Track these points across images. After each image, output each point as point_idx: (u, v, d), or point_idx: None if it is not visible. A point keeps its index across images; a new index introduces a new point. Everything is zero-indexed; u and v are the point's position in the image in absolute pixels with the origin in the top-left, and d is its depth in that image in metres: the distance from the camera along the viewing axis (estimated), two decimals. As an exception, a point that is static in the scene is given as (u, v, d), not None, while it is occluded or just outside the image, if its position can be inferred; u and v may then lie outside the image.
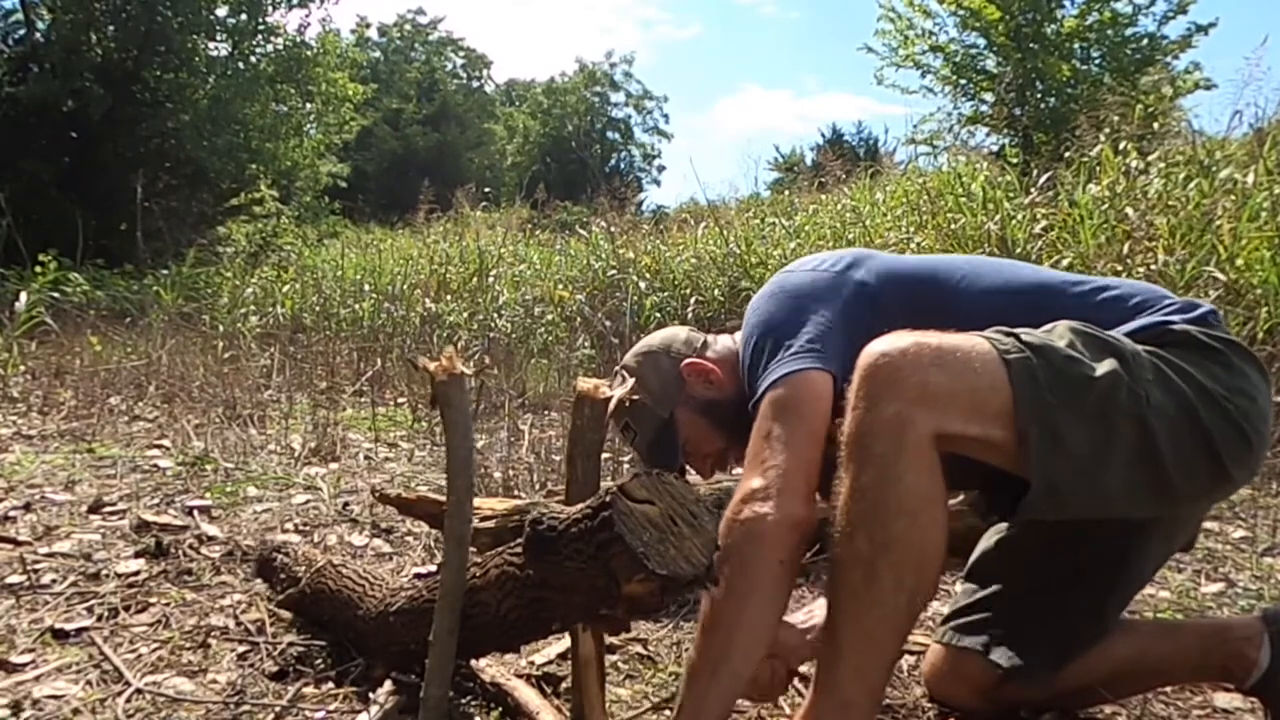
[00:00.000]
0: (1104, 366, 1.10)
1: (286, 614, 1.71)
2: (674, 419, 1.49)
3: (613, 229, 6.79)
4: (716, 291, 5.47)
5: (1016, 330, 1.13)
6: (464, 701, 1.41)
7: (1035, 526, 1.38)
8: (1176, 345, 1.17)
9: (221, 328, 5.77)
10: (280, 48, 13.00)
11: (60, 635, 1.62)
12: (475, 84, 39.07)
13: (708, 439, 1.49)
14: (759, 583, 1.13)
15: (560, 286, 6.33)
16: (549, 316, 6.04)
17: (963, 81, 8.84)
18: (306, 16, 13.14)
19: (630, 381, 1.44)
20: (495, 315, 6.02)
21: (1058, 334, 1.15)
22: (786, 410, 1.19)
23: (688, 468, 1.55)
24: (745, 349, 1.32)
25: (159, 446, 3.24)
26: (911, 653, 1.62)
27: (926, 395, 1.06)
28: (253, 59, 12.91)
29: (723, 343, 1.53)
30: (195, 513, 2.38)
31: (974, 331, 1.14)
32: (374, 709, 1.30)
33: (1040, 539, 1.37)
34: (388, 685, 1.35)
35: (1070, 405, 1.08)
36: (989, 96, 8.74)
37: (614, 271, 6.08)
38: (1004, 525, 1.44)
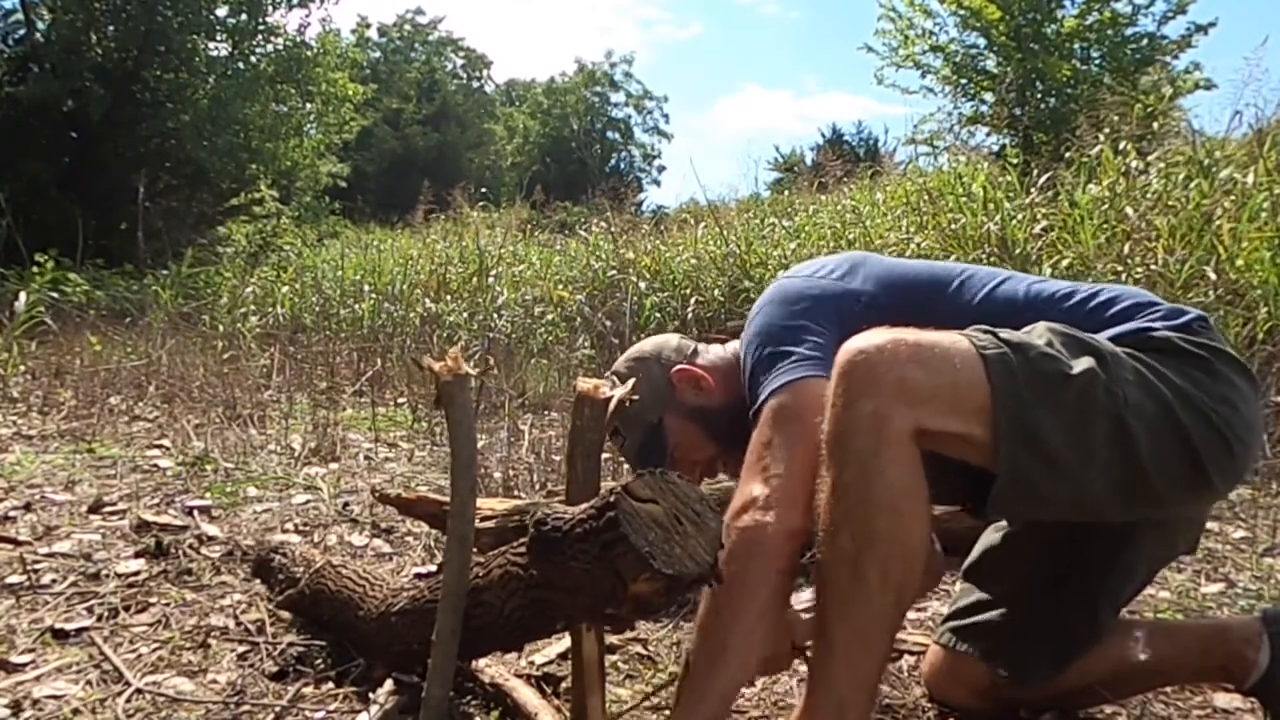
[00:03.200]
0: (1081, 365, 1.10)
1: (286, 614, 1.71)
2: (663, 425, 1.50)
3: (613, 229, 6.78)
4: (716, 291, 5.47)
5: (995, 329, 1.14)
6: (464, 701, 1.41)
7: (1033, 527, 1.38)
8: (1157, 351, 1.17)
9: (221, 328, 5.77)
10: (280, 48, 13.03)
11: (60, 635, 1.62)
12: (475, 84, 39.08)
13: (697, 446, 1.50)
14: (756, 590, 1.13)
15: (560, 286, 6.33)
16: (549, 316, 6.04)
17: (963, 81, 8.86)
18: (306, 16, 13.20)
19: (631, 382, 1.44)
20: (495, 315, 6.02)
21: (1036, 333, 1.15)
22: (788, 419, 1.19)
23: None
24: (746, 357, 1.32)
25: (159, 446, 3.24)
26: (911, 653, 1.62)
27: (904, 391, 1.06)
28: (253, 59, 12.94)
29: (714, 351, 1.54)
30: (195, 513, 2.38)
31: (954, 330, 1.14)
32: (374, 709, 1.30)
33: (1038, 539, 1.37)
34: (388, 685, 1.35)
35: (1046, 402, 1.08)
36: (989, 96, 8.75)
37: (614, 271, 6.08)
38: (1003, 525, 1.44)
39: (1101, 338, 1.18)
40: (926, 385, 1.07)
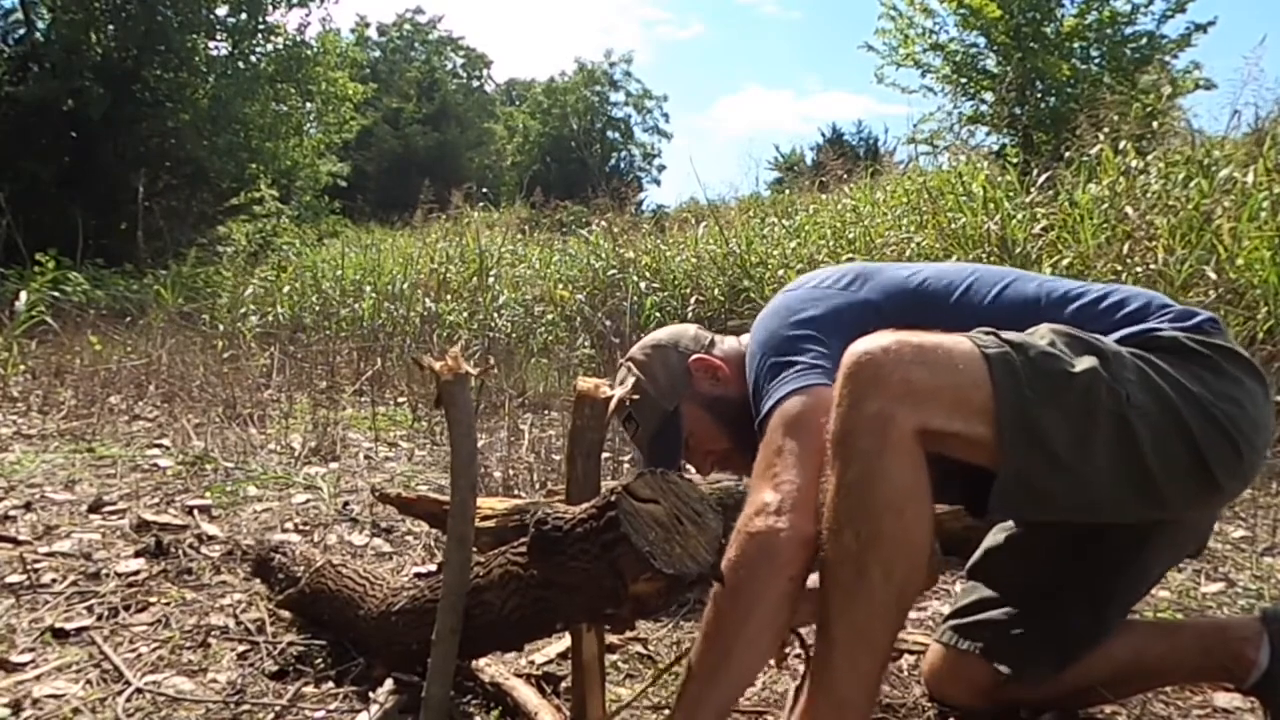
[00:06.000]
0: (1083, 363, 1.10)
1: (286, 613, 1.71)
2: (678, 413, 1.50)
3: (613, 229, 6.78)
4: (716, 291, 5.47)
5: (998, 330, 1.14)
6: (464, 701, 1.41)
7: (1039, 527, 1.38)
8: (1163, 350, 1.17)
9: (221, 327, 5.77)
10: (280, 47, 13.03)
11: (60, 635, 1.62)
12: (475, 84, 39.08)
13: (712, 436, 1.50)
14: (766, 596, 1.13)
15: (560, 286, 6.33)
16: (549, 316, 6.04)
17: (963, 81, 8.85)
18: (306, 16, 13.21)
19: (631, 381, 1.44)
20: (495, 315, 6.02)
21: (1039, 334, 1.16)
22: (797, 426, 1.19)
23: (686, 465, 1.55)
24: (751, 367, 1.32)
25: (159, 446, 3.24)
26: (911, 652, 1.62)
27: (909, 392, 1.06)
28: (253, 58, 12.93)
29: (730, 343, 1.55)
30: (195, 512, 2.38)
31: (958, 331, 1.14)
32: (374, 709, 1.30)
33: (1044, 540, 1.37)
34: (388, 685, 1.35)
35: (1048, 401, 1.08)
36: (989, 96, 8.74)
37: (614, 271, 6.08)
38: (1007, 526, 1.44)
39: (1107, 338, 1.18)
40: (930, 385, 1.07)
